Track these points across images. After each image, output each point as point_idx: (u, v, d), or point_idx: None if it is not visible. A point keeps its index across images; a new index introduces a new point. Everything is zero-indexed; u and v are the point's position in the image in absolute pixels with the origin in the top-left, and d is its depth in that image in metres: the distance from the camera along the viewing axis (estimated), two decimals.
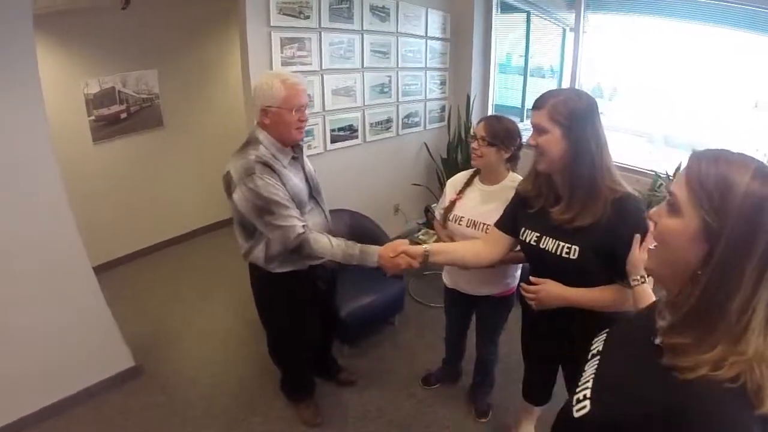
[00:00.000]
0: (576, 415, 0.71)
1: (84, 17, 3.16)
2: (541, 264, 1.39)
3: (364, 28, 3.09)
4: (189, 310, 3.16)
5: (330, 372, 2.41)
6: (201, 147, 4.11)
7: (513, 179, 1.78)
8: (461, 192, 1.87)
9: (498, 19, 3.88)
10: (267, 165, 1.60)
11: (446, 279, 2.04)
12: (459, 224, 1.83)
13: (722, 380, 0.56)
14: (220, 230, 4.38)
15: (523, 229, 1.42)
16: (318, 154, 2.98)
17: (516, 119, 2.08)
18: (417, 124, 3.75)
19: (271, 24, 2.55)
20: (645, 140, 3.79)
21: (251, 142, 1.66)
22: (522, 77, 4.47)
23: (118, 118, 3.54)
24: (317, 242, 1.61)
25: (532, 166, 1.39)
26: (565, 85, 3.78)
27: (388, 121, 3.50)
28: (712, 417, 0.55)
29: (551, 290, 1.34)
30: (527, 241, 1.39)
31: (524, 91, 4.45)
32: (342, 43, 2.98)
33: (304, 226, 1.61)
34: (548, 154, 1.26)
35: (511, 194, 1.68)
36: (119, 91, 3.50)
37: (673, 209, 0.64)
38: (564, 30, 4.35)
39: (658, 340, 0.67)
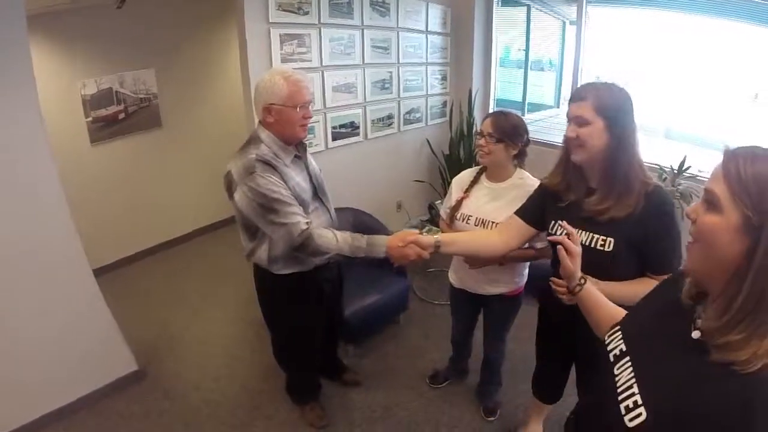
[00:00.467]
0: (630, 424, 0.68)
1: (79, 17, 3.11)
2: None
3: (365, 24, 3.05)
4: (191, 311, 3.12)
5: (335, 372, 2.38)
6: (200, 147, 4.07)
7: (521, 176, 1.75)
8: (468, 190, 1.83)
9: (498, 12, 3.84)
10: (268, 163, 1.56)
11: (453, 279, 2.01)
12: (467, 223, 1.79)
13: None
14: (220, 230, 4.36)
15: (553, 222, 1.39)
16: (319, 152, 2.94)
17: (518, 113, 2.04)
18: (418, 120, 3.71)
19: (270, 20, 2.51)
20: (645, 133, 3.76)
21: (252, 140, 1.63)
22: (522, 71, 4.45)
23: (116, 119, 3.50)
24: (321, 237, 1.57)
25: (560, 159, 1.38)
26: (566, 77, 3.76)
27: (390, 117, 3.46)
28: None
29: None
30: (560, 234, 1.37)
31: (525, 85, 4.42)
32: (342, 39, 2.94)
33: (307, 222, 1.57)
34: (588, 146, 1.25)
35: (519, 191, 1.66)
36: (117, 92, 3.45)
37: (712, 206, 0.66)
38: (564, 23, 4.32)
39: (696, 335, 0.69)
